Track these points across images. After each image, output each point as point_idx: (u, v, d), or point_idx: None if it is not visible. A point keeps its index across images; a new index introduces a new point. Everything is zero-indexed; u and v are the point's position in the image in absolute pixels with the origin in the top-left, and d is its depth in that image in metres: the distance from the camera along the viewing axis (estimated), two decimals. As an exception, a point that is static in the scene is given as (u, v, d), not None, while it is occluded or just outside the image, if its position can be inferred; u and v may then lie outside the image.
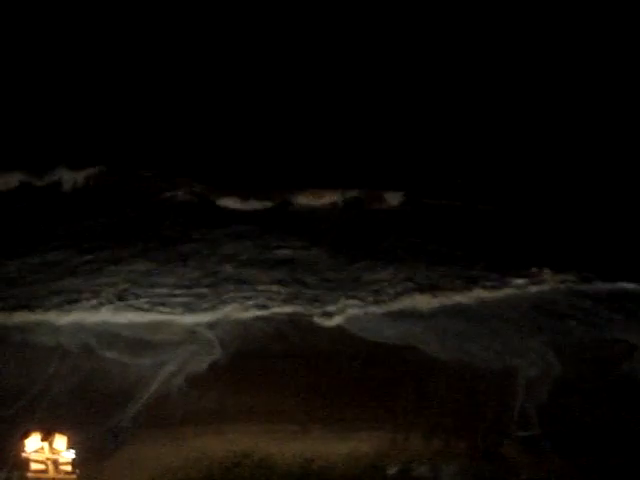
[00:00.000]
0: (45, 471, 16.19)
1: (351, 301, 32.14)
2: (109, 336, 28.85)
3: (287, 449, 21.07)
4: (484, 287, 33.83)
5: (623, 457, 21.67)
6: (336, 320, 30.64)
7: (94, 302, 31.47)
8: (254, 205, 43.61)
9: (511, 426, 23.40)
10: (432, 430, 22.65)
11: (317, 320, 30.62)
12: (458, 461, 21.33)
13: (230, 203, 43.86)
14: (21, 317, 30.03)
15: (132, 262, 36.11)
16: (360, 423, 22.77)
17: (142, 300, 31.86)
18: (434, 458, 21.34)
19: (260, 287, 33.46)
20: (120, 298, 31.98)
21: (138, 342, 28.42)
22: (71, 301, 31.45)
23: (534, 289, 33.86)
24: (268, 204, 43.75)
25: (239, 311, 31.17)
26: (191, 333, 29.39)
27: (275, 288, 33.42)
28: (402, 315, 31.40)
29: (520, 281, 34.17)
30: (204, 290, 33.18)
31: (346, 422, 22.81)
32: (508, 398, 24.98)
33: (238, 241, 39.44)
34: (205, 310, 31.15)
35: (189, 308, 31.28)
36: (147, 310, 31.12)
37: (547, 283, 34.18)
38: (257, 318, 30.75)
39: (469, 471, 20.99)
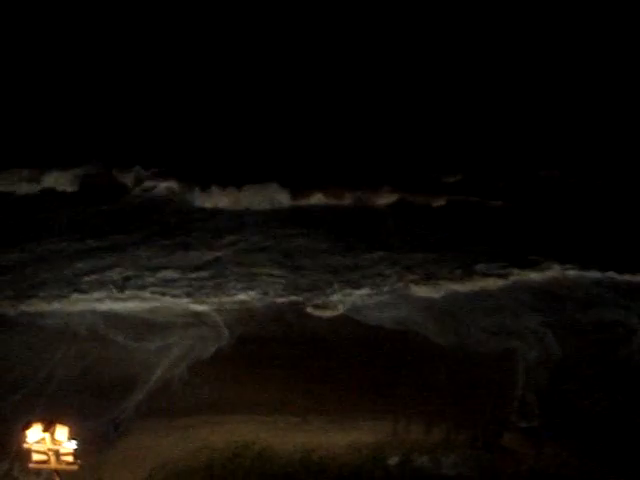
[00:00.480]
0: (47, 462, 16.18)
1: (351, 289, 32.22)
2: (115, 322, 28.97)
3: (288, 440, 21.09)
4: (484, 275, 34.00)
5: (622, 445, 21.67)
6: (337, 307, 30.72)
7: (99, 288, 31.64)
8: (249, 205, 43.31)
9: (512, 415, 23.40)
10: (432, 420, 22.66)
11: (318, 306, 30.70)
12: (458, 452, 21.36)
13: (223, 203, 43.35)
14: (27, 303, 30.20)
15: (135, 249, 36.35)
16: (361, 413, 22.75)
17: (146, 286, 32.01)
18: (435, 449, 21.34)
19: (262, 274, 33.70)
20: (125, 285, 32.19)
21: (142, 327, 28.57)
22: (76, 288, 31.63)
23: (533, 277, 34.05)
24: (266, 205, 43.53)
25: (241, 298, 31.28)
26: (195, 318, 29.58)
27: (277, 275, 33.61)
28: (402, 301, 31.58)
29: (519, 270, 34.32)
30: (207, 276, 33.42)
31: (347, 412, 22.80)
32: (508, 382, 25.07)
33: (241, 228, 39.89)
34: (208, 296, 31.28)
35: (192, 294, 31.44)
36: (150, 297, 31.24)
37: (546, 271, 34.41)
38: (258, 305, 30.84)
39: (469, 461, 21.00)
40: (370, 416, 22.56)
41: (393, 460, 20.70)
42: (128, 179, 46.06)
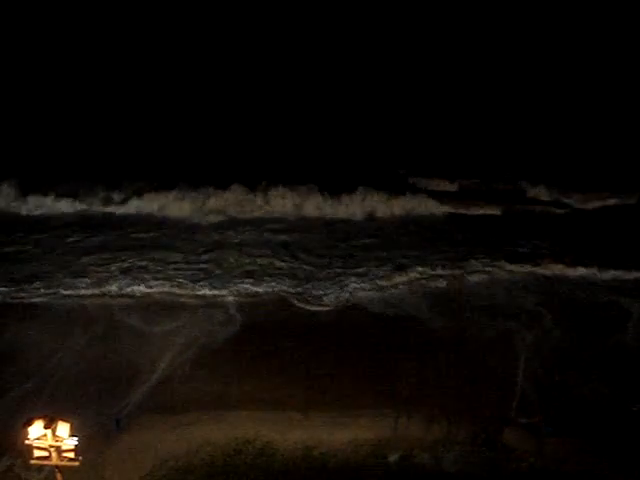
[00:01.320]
0: (48, 458, 16.21)
1: (351, 279, 32.41)
2: (119, 313, 29.06)
3: (289, 436, 21.11)
4: (481, 267, 34.15)
5: (621, 438, 21.69)
6: (336, 297, 30.90)
7: (104, 277, 31.76)
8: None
9: (512, 410, 23.40)
10: (433, 416, 22.67)
11: (318, 297, 30.83)
12: (459, 448, 21.38)
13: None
14: (33, 293, 30.29)
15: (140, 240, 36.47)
16: (361, 409, 22.73)
17: (151, 274, 32.14)
18: (435, 445, 21.36)
19: (261, 264, 33.85)
20: (128, 272, 32.28)
21: (148, 314, 28.74)
22: (82, 276, 31.76)
23: (529, 270, 34.20)
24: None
25: (241, 290, 31.31)
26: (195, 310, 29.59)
27: (276, 266, 33.75)
28: (402, 291, 31.80)
29: (516, 265, 34.51)
30: (208, 264, 33.60)
31: (347, 409, 22.77)
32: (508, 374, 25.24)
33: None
34: (211, 286, 31.37)
35: (195, 281, 31.69)
36: (155, 284, 31.37)
37: (542, 267, 34.56)
38: (258, 297, 30.92)
39: (470, 458, 21.02)
40: (371, 412, 22.58)
41: (394, 457, 20.76)
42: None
